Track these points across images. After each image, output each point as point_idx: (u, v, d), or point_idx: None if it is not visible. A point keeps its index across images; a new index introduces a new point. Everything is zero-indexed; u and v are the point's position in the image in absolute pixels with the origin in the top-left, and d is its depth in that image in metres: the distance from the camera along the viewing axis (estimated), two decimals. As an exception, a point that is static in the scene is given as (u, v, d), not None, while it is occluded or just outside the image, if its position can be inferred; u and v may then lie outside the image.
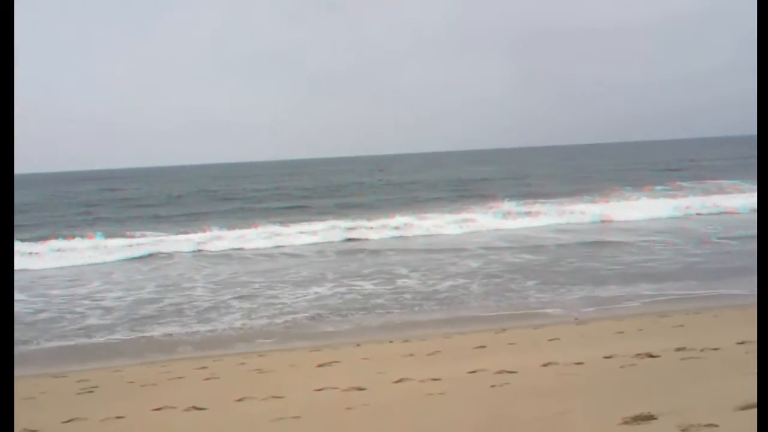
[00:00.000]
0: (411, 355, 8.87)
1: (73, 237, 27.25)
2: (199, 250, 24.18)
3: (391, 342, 10.58)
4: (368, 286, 16.09)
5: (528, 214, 30.07)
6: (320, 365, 8.50)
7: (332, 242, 25.05)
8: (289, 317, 13.31)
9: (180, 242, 25.49)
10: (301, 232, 26.76)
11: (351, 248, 23.30)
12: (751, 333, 7.54)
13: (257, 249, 24.12)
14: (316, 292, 15.55)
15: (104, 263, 22.24)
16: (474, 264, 18.54)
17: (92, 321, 13.67)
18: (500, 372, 6.74)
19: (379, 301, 14.36)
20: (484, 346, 8.99)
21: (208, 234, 27.20)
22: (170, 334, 12.41)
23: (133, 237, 27.64)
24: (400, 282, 16.40)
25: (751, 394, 4.76)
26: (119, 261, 22.54)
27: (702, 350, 7.00)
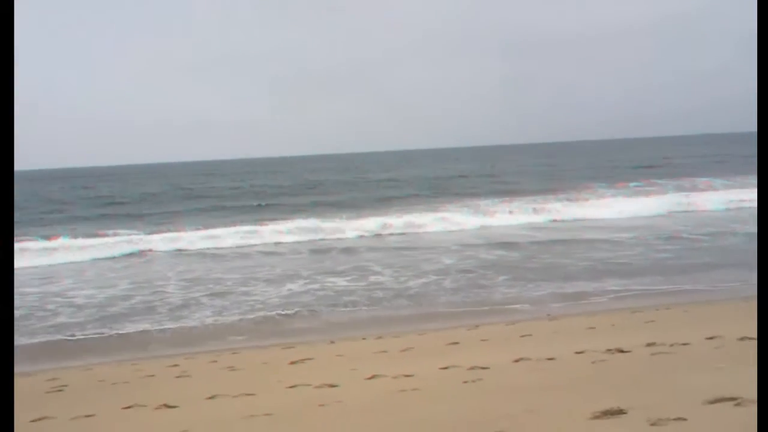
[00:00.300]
0: (384, 351, 8.87)
1: (45, 236, 26.98)
2: (174, 249, 23.94)
3: (364, 339, 10.57)
4: (342, 282, 16.07)
5: (504, 211, 30.12)
6: (293, 362, 8.47)
7: (308, 240, 24.87)
8: (261, 313, 13.28)
9: (154, 241, 25.20)
10: (278, 231, 26.56)
11: (326, 246, 23.22)
12: (720, 328, 7.65)
13: (231, 247, 23.95)
14: (290, 289, 15.51)
15: (76, 262, 21.97)
16: (448, 261, 18.57)
17: (63, 319, 13.54)
18: (473, 368, 6.75)
19: (353, 298, 14.35)
20: (457, 343, 9.00)
21: (182, 232, 26.95)
22: (142, 332, 12.32)
23: (105, 236, 27.33)
24: (373, 278, 16.41)
25: (720, 388, 4.81)
26: (91, 260, 22.28)
27: (672, 345, 7.06)
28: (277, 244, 24.43)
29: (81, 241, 25.45)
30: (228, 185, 67.95)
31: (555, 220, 27.49)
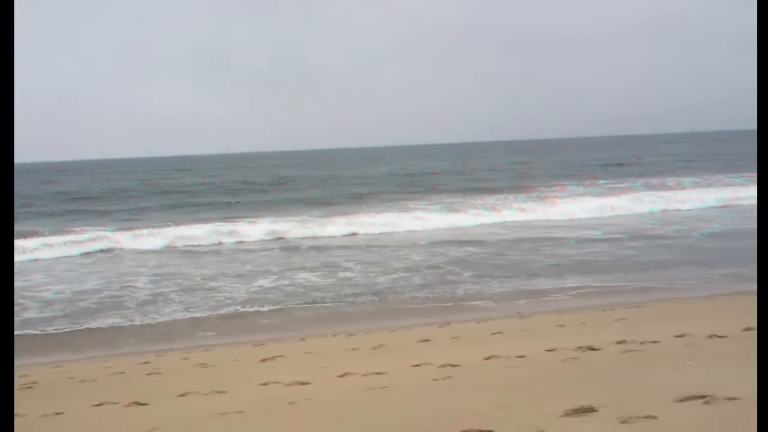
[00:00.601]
0: (355, 349, 8.86)
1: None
2: (141, 246, 23.63)
3: (335, 336, 10.56)
4: (313, 278, 16.05)
5: (476, 210, 30.08)
6: (264, 360, 8.44)
7: (275, 239, 24.70)
8: (231, 309, 13.24)
9: (121, 238, 24.80)
10: (251, 223, 26.73)
11: (295, 244, 23.17)
12: (689, 326, 7.72)
13: (199, 245, 23.73)
14: (261, 285, 15.47)
15: (42, 259, 21.70)
16: (417, 258, 18.61)
17: (31, 315, 13.39)
18: (444, 366, 6.76)
19: (324, 294, 14.34)
20: (428, 340, 9.02)
21: (151, 229, 26.66)
22: (112, 329, 12.21)
23: (72, 232, 26.99)
24: (341, 275, 16.42)
25: (689, 386, 4.86)
26: (58, 257, 22.01)
27: (642, 343, 7.11)
28: (247, 241, 24.25)
29: (49, 239, 24.98)
30: (198, 181, 67.52)
31: (510, 222, 27.35)
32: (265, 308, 13.35)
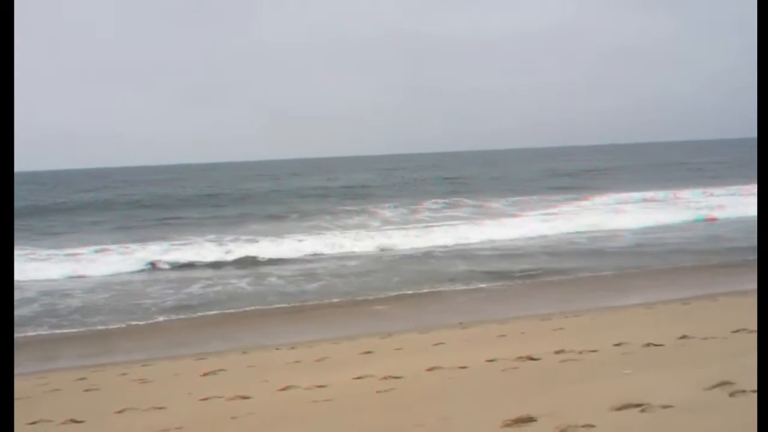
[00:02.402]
0: (298, 361, 8.82)
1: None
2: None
3: (277, 349, 10.50)
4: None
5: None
6: (205, 374, 8.35)
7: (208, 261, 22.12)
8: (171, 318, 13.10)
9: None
10: (172, 247, 24.43)
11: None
12: (626, 335, 7.85)
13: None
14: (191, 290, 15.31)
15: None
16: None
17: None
18: (386, 377, 6.77)
19: (263, 307, 14.28)
20: (371, 352, 9.02)
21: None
22: (47, 343, 11.97)
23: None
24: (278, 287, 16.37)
25: (626, 394, 4.94)
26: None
27: (580, 352, 7.21)
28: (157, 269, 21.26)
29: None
30: (124, 193, 65.47)
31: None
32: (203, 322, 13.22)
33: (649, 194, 39.09)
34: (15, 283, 17.59)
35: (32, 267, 20.53)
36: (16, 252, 22.03)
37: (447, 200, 41.19)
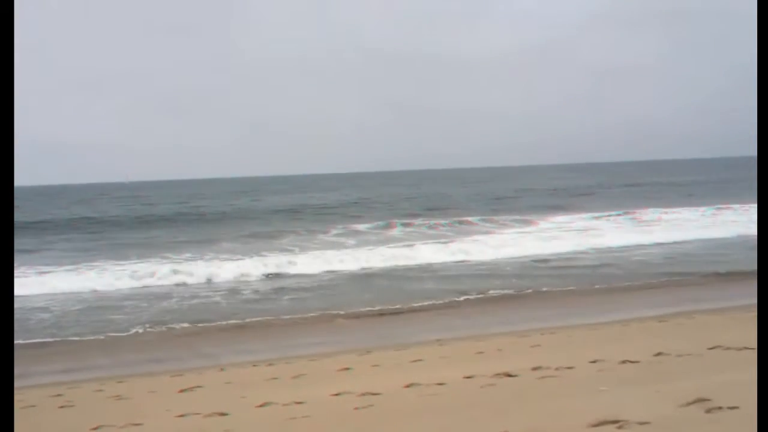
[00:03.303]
0: (275, 378, 8.79)
1: None
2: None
3: (255, 366, 10.45)
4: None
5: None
6: (182, 390, 8.30)
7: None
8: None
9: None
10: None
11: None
12: (602, 352, 7.91)
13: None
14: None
15: None
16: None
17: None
18: (364, 394, 6.77)
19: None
20: (348, 368, 9.01)
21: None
22: (22, 359, 11.84)
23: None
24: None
25: (603, 410, 4.97)
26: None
27: (557, 369, 7.25)
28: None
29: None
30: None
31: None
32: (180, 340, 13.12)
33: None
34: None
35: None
36: None
37: (423, 220, 40.19)
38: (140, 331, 14.11)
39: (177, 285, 20.19)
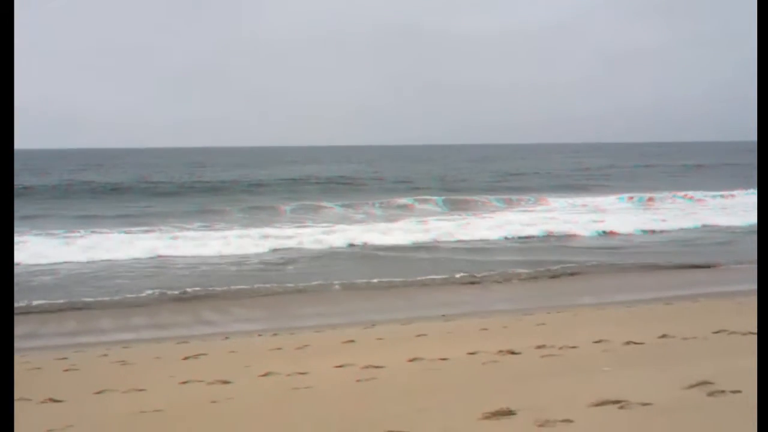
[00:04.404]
0: (279, 348, 8.82)
1: None
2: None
3: (260, 335, 10.49)
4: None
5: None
6: (186, 358, 8.34)
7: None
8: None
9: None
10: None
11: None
12: (607, 332, 7.89)
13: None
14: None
15: None
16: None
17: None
18: (367, 367, 6.78)
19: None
20: (353, 341, 9.03)
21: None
22: (28, 323, 11.92)
23: None
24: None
25: (605, 390, 4.96)
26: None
27: (561, 348, 7.25)
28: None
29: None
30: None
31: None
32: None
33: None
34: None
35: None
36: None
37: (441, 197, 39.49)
38: (145, 295, 14.16)
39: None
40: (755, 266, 4.33)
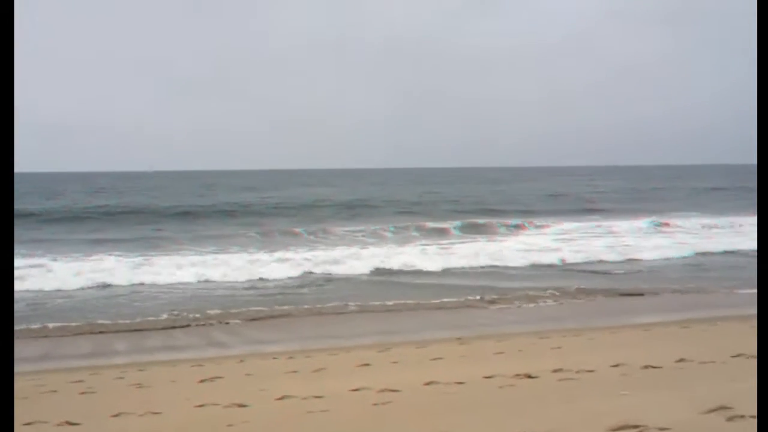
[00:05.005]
0: (295, 371, 8.81)
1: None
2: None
3: (275, 358, 10.49)
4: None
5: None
6: (202, 381, 8.35)
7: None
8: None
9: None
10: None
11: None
12: (625, 356, 7.85)
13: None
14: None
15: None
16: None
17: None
18: (383, 390, 6.77)
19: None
20: (368, 364, 9.01)
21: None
22: (45, 342, 11.98)
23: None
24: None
25: (623, 414, 4.94)
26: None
27: (578, 372, 7.21)
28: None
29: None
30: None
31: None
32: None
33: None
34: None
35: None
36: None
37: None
38: (161, 319, 14.21)
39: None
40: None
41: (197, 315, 14.55)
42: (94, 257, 23.20)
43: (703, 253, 24.32)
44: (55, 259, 22.41)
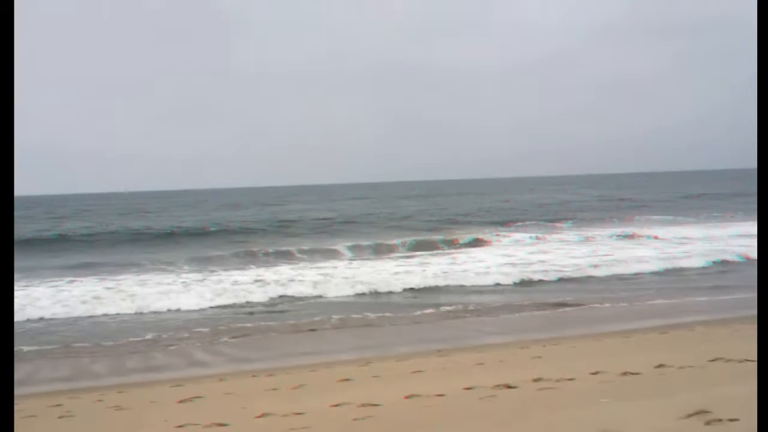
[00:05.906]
0: (275, 389, 8.77)
1: None
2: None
3: (255, 376, 10.43)
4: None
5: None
6: (181, 401, 8.28)
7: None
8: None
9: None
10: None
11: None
12: (604, 363, 7.89)
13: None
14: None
15: None
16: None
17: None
18: (364, 405, 6.75)
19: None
20: (349, 379, 8.98)
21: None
22: (25, 365, 11.84)
23: None
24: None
25: (603, 422, 4.95)
26: None
27: (558, 381, 7.24)
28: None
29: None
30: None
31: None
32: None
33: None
34: None
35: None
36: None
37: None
38: (140, 340, 14.10)
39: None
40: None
41: (180, 334, 14.45)
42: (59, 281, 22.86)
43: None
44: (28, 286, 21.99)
